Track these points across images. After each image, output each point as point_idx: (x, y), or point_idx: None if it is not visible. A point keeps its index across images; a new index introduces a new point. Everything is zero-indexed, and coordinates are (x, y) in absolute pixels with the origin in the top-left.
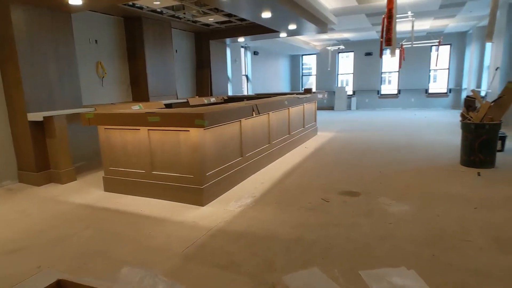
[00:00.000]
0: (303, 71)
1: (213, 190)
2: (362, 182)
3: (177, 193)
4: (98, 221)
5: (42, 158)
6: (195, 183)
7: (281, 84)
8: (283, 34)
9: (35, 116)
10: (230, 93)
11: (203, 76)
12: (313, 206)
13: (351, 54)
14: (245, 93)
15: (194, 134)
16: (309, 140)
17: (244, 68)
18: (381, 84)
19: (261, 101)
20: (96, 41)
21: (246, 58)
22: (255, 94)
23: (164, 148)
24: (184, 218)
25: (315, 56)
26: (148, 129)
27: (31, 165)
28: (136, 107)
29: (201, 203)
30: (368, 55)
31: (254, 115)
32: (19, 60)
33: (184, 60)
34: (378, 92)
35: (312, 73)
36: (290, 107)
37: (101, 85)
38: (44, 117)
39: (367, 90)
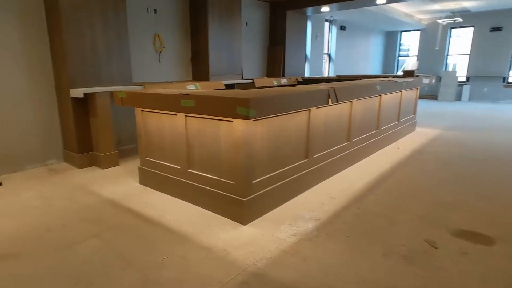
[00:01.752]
0: (399, 51)
1: (260, 204)
2: (493, 217)
3: (214, 201)
4: (113, 228)
5: (84, 138)
6: (236, 193)
7: (370, 66)
8: (380, 0)
9: (76, 92)
10: (306, 75)
11: (275, 54)
12: (410, 252)
13: (469, 30)
14: (326, 74)
15: (239, 126)
16: (403, 137)
17: (326, 46)
18: (510, 69)
19: (341, 84)
20: (155, 10)
21: (330, 34)
22: (336, 75)
23: (202, 141)
24: (215, 241)
25: (417, 33)
26: (186, 115)
27: (74, 145)
28: (192, 87)
29: (242, 221)
30: (495, 30)
31: (331, 103)
32: (63, 30)
33: (254, 35)
34: (504, 79)
35: (410, 54)
36: (382, 94)
37: (158, 61)
38: (85, 94)
39: (488, 77)
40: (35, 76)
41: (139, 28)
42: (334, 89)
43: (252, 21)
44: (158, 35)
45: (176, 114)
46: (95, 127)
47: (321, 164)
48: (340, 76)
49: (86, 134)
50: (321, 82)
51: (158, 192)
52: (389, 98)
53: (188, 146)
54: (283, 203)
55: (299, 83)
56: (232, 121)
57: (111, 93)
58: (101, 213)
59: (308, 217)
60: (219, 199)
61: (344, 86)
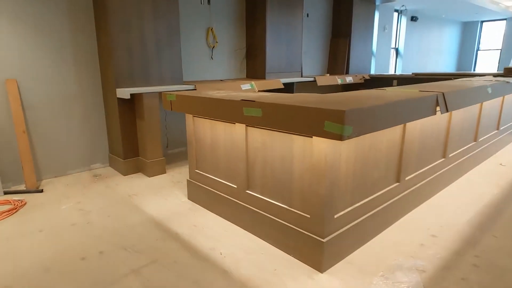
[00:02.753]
0: (479, 45)
1: (343, 245)
2: None
3: (281, 236)
4: (156, 261)
5: (130, 143)
6: (312, 230)
7: (442, 61)
8: None
9: (123, 92)
10: (372, 71)
11: (338, 48)
12: None
13: None
14: (392, 71)
15: (320, 145)
16: (503, 149)
17: (394, 39)
18: None
19: (447, 87)
20: (208, 1)
21: (399, 26)
22: (413, 74)
23: (267, 158)
24: None
25: (503, 22)
26: (247, 126)
27: (119, 150)
28: (247, 86)
29: (319, 267)
30: None
31: (437, 113)
32: (110, 21)
33: (315, 27)
34: None
35: (492, 48)
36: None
37: (210, 58)
38: (131, 95)
39: None
40: (82, 74)
41: (191, 21)
42: (443, 94)
43: (313, 12)
44: (211, 29)
45: (234, 124)
46: (142, 131)
47: (414, 187)
48: (416, 74)
49: (132, 138)
50: (393, 81)
51: (209, 212)
52: (490, 103)
53: (248, 163)
54: (369, 241)
55: (366, 81)
56: (310, 137)
57: (160, 94)
58: (144, 237)
59: (408, 265)
60: (288, 235)
61: (452, 90)
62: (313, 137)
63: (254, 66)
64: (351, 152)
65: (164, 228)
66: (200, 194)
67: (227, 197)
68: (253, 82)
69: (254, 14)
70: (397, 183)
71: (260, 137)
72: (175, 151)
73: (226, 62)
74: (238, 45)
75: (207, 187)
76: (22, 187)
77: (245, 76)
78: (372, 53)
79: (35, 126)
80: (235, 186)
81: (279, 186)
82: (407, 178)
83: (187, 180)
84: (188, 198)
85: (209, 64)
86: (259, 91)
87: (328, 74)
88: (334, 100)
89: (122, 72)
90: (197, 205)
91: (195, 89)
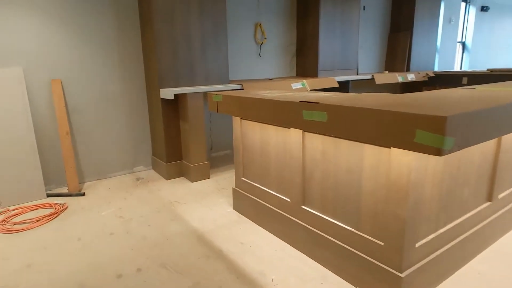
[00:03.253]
0: None
1: (424, 281)
2: None
3: (344, 263)
4: (199, 285)
5: (173, 146)
6: (386, 261)
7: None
8: None
9: (167, 92)
10: (435, 68)
11: (398, 43)
12: None
13: None
14: (457, 68)
15: (401, 158)
16: None
17: (461, 33)
18: None
19: None
20: None
21: (466, 17)
22: (488, 70)
23: (329, 171)
24: None
25: None
26: (304, 131)
27: (162, 153)
28: (298, 85)
29: None
30: None
31: None
32: (154, 20)
33: (372, 21)
34: None
35: None
36: None
37: (258, 55)
38: (175, 95)
39: None
40: (126, 74)
41: (238, 17)
42: None
43: (369, 4)
44: (260, 25)
45: (288, 129)
46: (186, 133)
47: (508, 206)
48: (492, 70)
49: (176, 141)
50: (462, 78)
51: (257, 226)
52: None
53: (305, 174)
54: (452, 274)
55: (430, 79)
56: (389, 148)
57: (205, 94)
58: (186, 253)
59: None
60: (355, 263)
61: None
62: (391, 147)
63: (305, 63)
64: (439, 166)
65: (207, 243)
66: (247, 205)
67: (279, 211)
68: (304, 81)
69: (306, 7)
70: (489, 202)
71: (321, 144)
72: (220, 154)
73: (275, 59)
74: (288, 41)
75: (255, 198)
76: (65, 190)
77: (295, 75)
78: (436, 48)
79: (78, 127)
80: (289, 200)
81: (344, 204)
82: (500, 196)
83: (233, 188)
84: (234, 209)
85: (257, 62)
86: (311, 90)
87: (387, 72)
88: (421, 102)
89: (166, 71)
90: (243, 217)
91: (242, 89)
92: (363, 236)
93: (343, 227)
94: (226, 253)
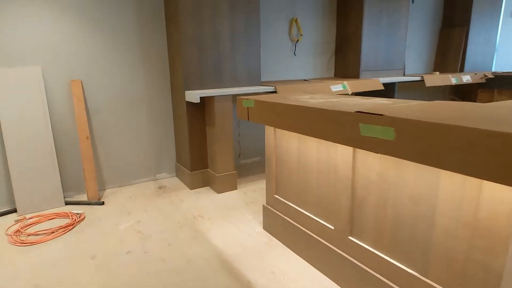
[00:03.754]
0: None
1: None
2: None
3: None
4: None
5: (198, 153)
6: None
7: None
8: None
9: (192, 95)
10: (493, 68)
11: (451, 41)
12: None
13: None
14: None
15: (496, 192)
16: None
17: None
18: None
19: None
20: None
21: None
22: None
23: (387, 197)
24: None
25: None
26: (355, 149)
27: (186, 160)
28: (338, 88)
29: None
30: None
31: None
32: (180, 17)
33: (420, 16)
34: None
35: None
36: None
37: (293, 53)
38: (201, 98)
39: None
40: (151, 75)
41: (271, 11)
42: None
43: None
44: (296, 20)
45: (335, 145)
46: (212, 139)
47: None
48: None
49: (202, 147)
50: None
51: (290, 252)
52: None
53: (355, 199)
54: None
55: (488, 81)
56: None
57: (234, 98)
58: (209, 283)
59: None
60: None
61: None
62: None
63: (345, 63)
64: None
65: (233, 271)
66: (279, 226)
67: (318, 239)
68: (345, 82)
69: (347, 1)
70: None
71: (378, 164)
72: (248, 161)
73: (311, 58)
74: (326, 38)
75: (289, 220)
76: (84, 197)
77: (332, 75)
78: (495, 46)
79: (99, 131)
80: (332, 227)
81: (406, 241)
82: None
83: (263, 205)
84: (264, 228)
85: (291, 61)
86: (352, 93)
87: (437, 72)
88: None
89: (192, 72)
90: (275, 239)
91: (275, 92)
92: (432, 286)
93: (403, 269)
94: (254, 286)
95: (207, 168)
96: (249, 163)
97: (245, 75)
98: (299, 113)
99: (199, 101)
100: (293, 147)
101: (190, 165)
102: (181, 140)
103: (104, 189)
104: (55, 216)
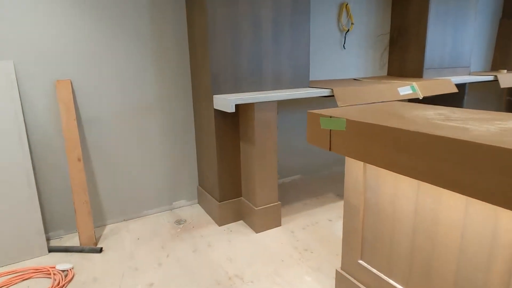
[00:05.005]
0: None
1: None
2: None
3: None
4: None
5: (230, 177)
6: None
7: None
8: None
9: (222, 101)
10: None
11: None
12: None
13: None
14: None
15: None
16: None
17: None
18: None
19: None
20: None
21: None
22: None
23: None
24: None
25: None
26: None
27: (213, 186)
28: (407, 91)
29: None
30: None
31: None
32: (207, 7)
33: (479, 6)
34: None
35: None
36: None
37: (341, 46)
38: (236, 106)
39: None
40: (166, 76)
41: None
42: None
43: None
44: (346, 5)
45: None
46: (249, 160)
47: None
48: None
49: (234, 170)
50: None
51: None
52: None
53: (498, 274)
54: None
55: None
56: None
57: (275, 104)
58: None
59: None
60: None
61: None
62: None
63: (403, 59)
64: None
65: None
66: None
67: None
68: (414, 84)
69: None
70: None
71: None
72: (286, 180)
73: (362, 53)
74: (379, 28)
75: None
76: (76, 238)
77: (385, 74)
78: None
79: (96, 149)
80: None
81: None
82: None
83: (337, 271)
84: None
85: (340, 55)
86: (424, 97)
87: (505, 71)
88: None
89: (223, 71)
90: None
91: (333, 95)
92: None
93: None
94: None
95: (241, 196)
96: (288, 183)
97: (290, 74)
98: (406, 136)
99: (233, 110)
100: (406, 196)
101: (219, 194)
102: (206, 159)
103: (105, 225)
104: (32, 274)
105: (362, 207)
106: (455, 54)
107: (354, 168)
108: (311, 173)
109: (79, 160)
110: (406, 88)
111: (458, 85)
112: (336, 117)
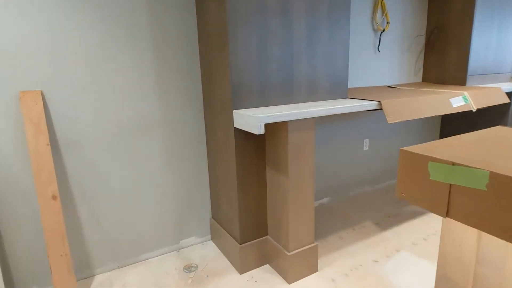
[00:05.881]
0: None
1: None
2: None
3: None
4: None
5: (253, 213)
6: None
7: None
8: None
9: (246, 119)
10: None
11: None
12: None
13: None
14: None
15: None
16: None
17: None
18: None
19: None
20: None
21: None
22: None
23: None
24: None
25: None
26: None
27: (232, 221)
28: (459, 102)
29: None
30: None
31: None
32: (227, 10)
33: None
34: None
35: None
36: None
37: (375, 49)
38: (266, 125)
39: None
40: (169, 87)
41: None
42: None
43: None
44: (382, 2)
45: None
46: (279, 191)
47: None
48: None
49: (258, 203)
50: None
51: None
52: None
53: None
54: None
55: None
56: None
57: (311, 122)
58: None
59: None
60: None
61: None
62: None
63: (442, 64)
64: None
65: None
66: None
67: None
68: (466, 93)
69: None
70: None
71: None
72: (322, 201)
73: (396, 56)
74: (415, 29)
75: None
76: None
77: (420, 80)
78: None
79: (79, 181)
80: None
81: None
82: None
83: None
84: None
85: (373, 59)
86: (477, 109)
87: None
88: None
89: (246, 79)
90: None
91: (381, 109)
92: None
93: None
94: None
95: (267, 235)
96: (316, 208)
97: (327, 82)
98: None
99: (262, 131)
100: None
101: (240, 234)
102: (223, 189)
103: (93, 275)
104: None
105: (470, 286)
106: (498, 59)
107: (459, 232)
108: (339, 194)
109: (54, 198)
110: (458, 99)
111: (508, 94)
112: (466, 166)
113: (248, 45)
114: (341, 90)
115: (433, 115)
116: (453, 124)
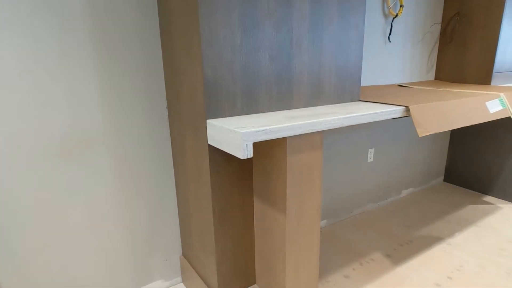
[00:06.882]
0: None
1: None
2: None
3: None
4: None
5: (236, 255)
6: None
7: None
8: None
9: (225, 136)
10: None
11: None
12: None
13: None
14: None
15: None
16: None
17: None
18: None
19: None
20: None
21: None
22: None
23: None
24: None
25: None
26: None
27: (207, 266)
28: (496, 106)
29: None
30: None
31: None
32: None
33: None
34: None
35: None
36: None
37: (385, 39)
38: (255, 144)
39: None
40: (118, 79)
41: None
42: None
43: None
44: None
45: None
46: (272, 230)
47: None
48: None
49: (242, 242)
50: None
51: None
52: None
53: None
54: None
55: None
56: None
57: (319, 135)
58: None
59: None
60: None
61: None
62: None
63: (461, 59)
64: None
65: None
66: None
67: None
68: (502, 95)
69: None
70: None
71: None
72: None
73: (408, 49)
74: (429, 19)
75: None
76: None
77: (432, 78)
78: None
79: None
80: None
81: None
82: None
83: None
84: None
85: (383, 52)
86: None
87: None
88: None
89: (225, 74)
90: None
91: (409, 116)
92: None
93: None
94: None
95: (254, 283)
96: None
97: (334, 79)
98: None
99: (250, 155)
100: None
101: (219, 282)
102: (195, 224)
103: None
104: None
105: None
106: None
107: None
108: (339, 215)
109: None
110: (495, 103)
111: None
112: None
113: (228, 25)
114: (353, 90)
115: (469, 125)
116: (465, 132)
